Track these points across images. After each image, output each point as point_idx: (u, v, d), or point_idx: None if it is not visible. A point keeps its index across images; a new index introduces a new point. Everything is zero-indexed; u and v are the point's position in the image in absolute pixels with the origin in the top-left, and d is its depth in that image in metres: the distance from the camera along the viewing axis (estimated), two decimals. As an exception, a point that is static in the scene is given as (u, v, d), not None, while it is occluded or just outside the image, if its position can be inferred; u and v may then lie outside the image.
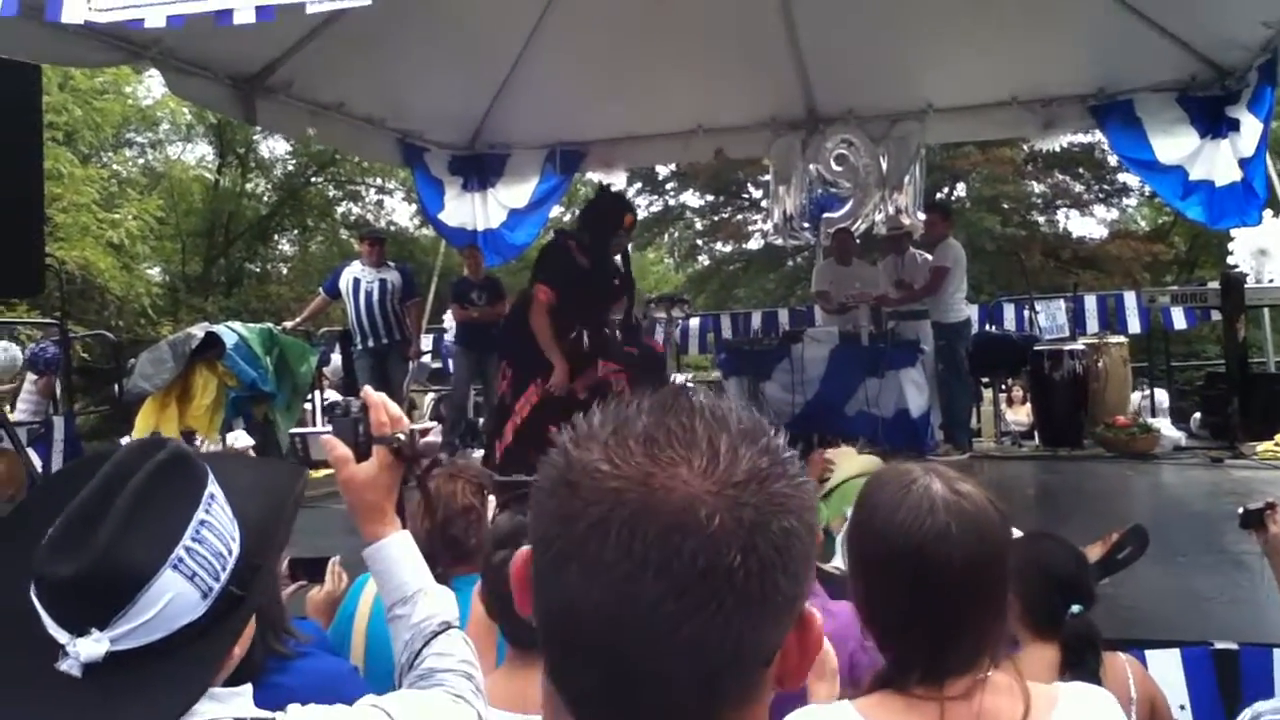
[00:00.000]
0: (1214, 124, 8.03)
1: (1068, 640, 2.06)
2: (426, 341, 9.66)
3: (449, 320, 9.61)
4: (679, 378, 8.55)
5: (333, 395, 9.23)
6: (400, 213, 24.02)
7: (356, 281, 8.05)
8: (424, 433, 8.14)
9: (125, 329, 15.57)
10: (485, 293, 8.56)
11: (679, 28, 7.70)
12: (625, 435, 0.69)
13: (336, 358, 8.96)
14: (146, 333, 15.49)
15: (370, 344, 7.99)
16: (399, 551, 1.45)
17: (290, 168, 22.62)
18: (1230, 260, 8.21)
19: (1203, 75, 8.01)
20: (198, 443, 6.60)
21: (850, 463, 4.85)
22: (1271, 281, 7.93)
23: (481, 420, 8.71)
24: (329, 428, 1.53)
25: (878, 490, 1.43)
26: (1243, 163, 7.82)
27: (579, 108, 9.16)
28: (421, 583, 1.45)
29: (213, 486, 1.18)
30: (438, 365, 10.16)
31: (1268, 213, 8.20)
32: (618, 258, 6.41)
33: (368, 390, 1.48)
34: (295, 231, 23.87)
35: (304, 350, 7.66)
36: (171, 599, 1.09)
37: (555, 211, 11.82)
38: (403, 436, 1.45)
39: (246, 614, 1.19)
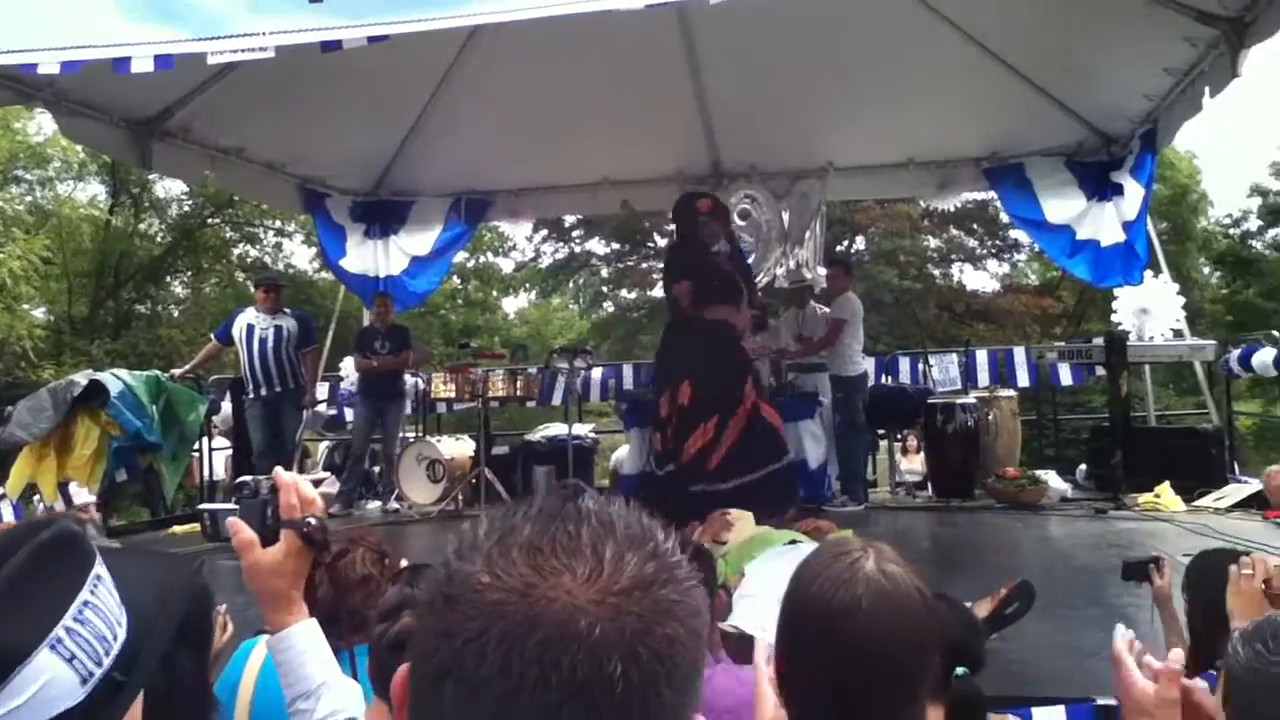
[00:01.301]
0: (1100, 187, 8.46)
1: (953, 704, 2.08)
2: (322, 390, 9.46)
3: (347, 368, 9.44)
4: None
5: (222, 443, 8.96)
6: (299, 256, 23.63)
7: (250, 328, 7.86)
8: (317, 483, 7.95)
9: (4, 372, 14.93)
10: (390, 341, 8.44)
11: (588, 82, 7.79)
12: (509, 545, 0.68)
13: (227, 405, 8.70)
14: (27, 376, 14.87)
15: (263, 392, 7.78)
16: (304, 642, 1.40)
17: (186, 208, 22.07)
18: (1114, 318, 8.55)
19: (1090, 142, 8.43)
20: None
21: (749, 522, 4.89)
22: (1152, 339, 8.26)
23: (378, 470, 8.54)
24: (236, 506, 1.46)
25: (813, 557, 1.41)
26: (1126, 225, 8.23)
27: (486, 157, 9.17)
28: (326, 675, 1.40)
29: (100, 568, 1.12)
30: (333, 413, 9.95)
31: (1149, 273, 8.60)
32: (724, 245, 7.28)
33: (279, 472, 1.42)
34: (189, 273, 23.24)
35: (192, 399, 7.44)
36: (47, 682, 1.03)
37: (459, 258, 11.74)
38: (314, 521, 1.39)
39: (127, 701, 1.14)
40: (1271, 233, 29.23)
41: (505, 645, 0.64)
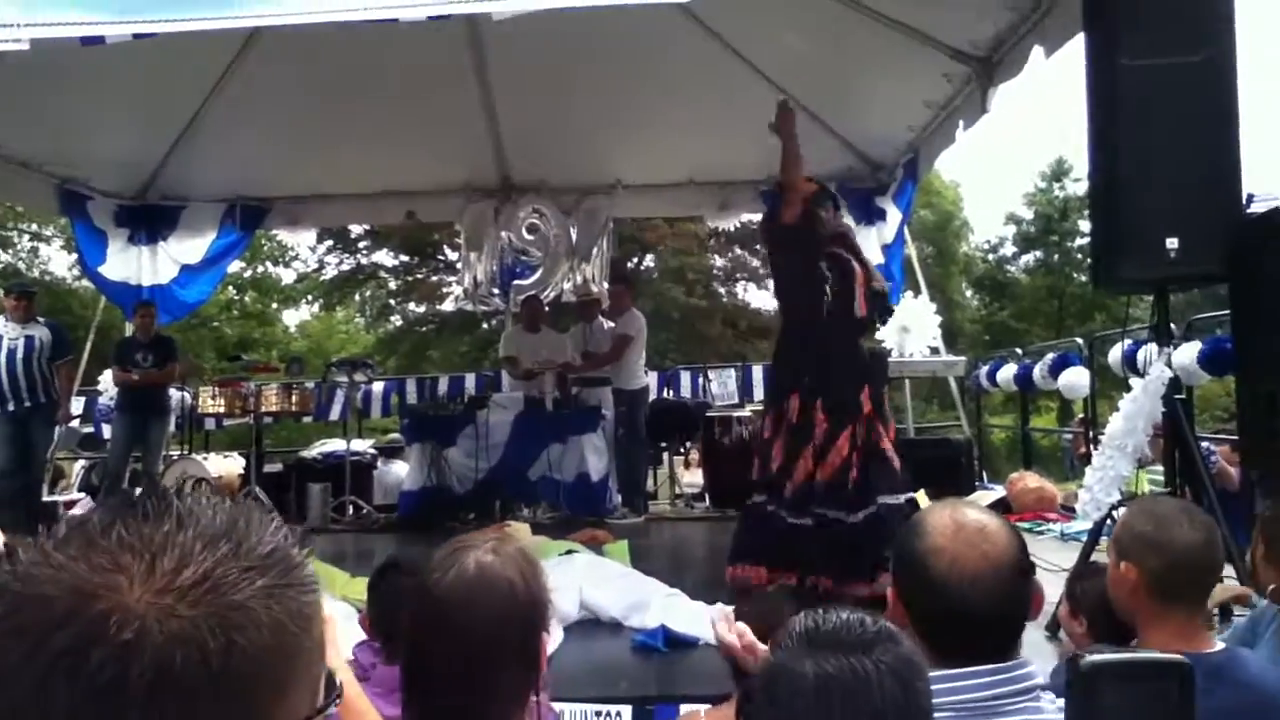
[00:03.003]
0: (867, 213, 8.97)
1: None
2: (77, 404, 8.83)
3: (105, 382, 8.85)
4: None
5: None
6: (57, 262, 22.09)
7: (-2, 338, 7.26)
8: (70, 505, 7.42)
9: None
10: (153, 353, 7.96)
11: (373, 89, 7.61)
12: (73, 538, 0.65)
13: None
14: None
15: (11, 407, 7.19)
16: None
17: (-72, 209, 20.21)
18: (878, 336, 9.04)
19: (858, 168, 8.93)
20: None
21: (526, 533, 4.90)
22: (911, 355, 8.79)
23: (140, 490, 8.03)
24: None
25: (439, 550, 1.55)
26: (884, 248, 8.76)
27: (264, 162, 8.81)
28: None
29: None
30: (89, 430, 9.31)
31: (909, 293, 9.17)
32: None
33: None
34: (-69, 279, 21.25)
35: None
36: None
37: (233, 267, 11.22)
38: None
39: None
40: (1024, 258, 31.80)
41: (35, 640, 0.61)
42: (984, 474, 8.57)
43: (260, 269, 23.77)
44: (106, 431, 8.93)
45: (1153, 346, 3.95)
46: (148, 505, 0.67)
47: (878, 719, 1.08)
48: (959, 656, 1.45)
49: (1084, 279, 29.55)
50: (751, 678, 1.21)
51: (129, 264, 9.10)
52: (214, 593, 0.64)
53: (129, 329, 8.58)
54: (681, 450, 9.45)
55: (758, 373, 9.75)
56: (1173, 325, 4.52)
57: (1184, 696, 1.13)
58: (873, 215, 9.02)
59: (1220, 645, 1.89)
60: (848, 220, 8.96)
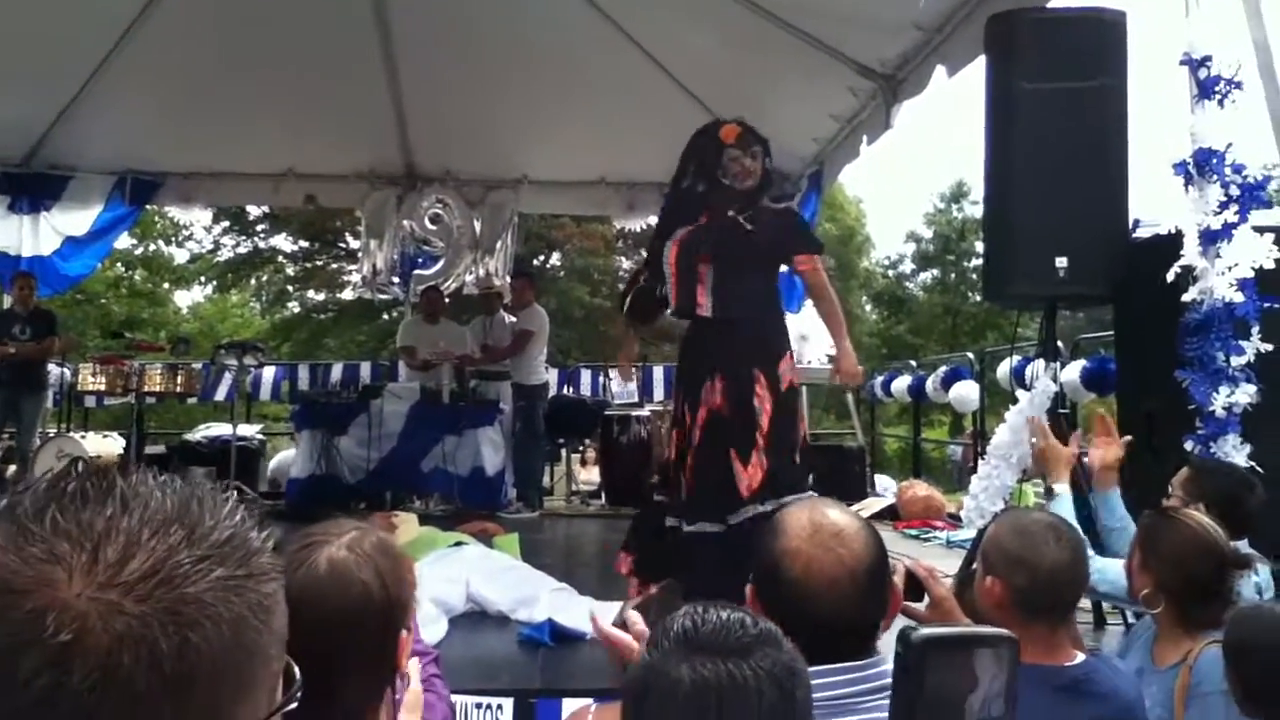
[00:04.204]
0: (771, 222, 9.04)
1: None
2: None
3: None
4: None
5: None
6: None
7: None
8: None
9: None
10: (30, 326, 7.61)
11: (275, 66, 7.41)
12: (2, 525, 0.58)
13: None
14: None
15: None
16: None
17: None
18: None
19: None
20: None
21: (410, 528, 4.82)
22: (810, 363, 8.94)
23: (11, 469, 7.68)
24: None
25: (292, 540, 1.44)
26: (786, 258, 8.84)
27: (157, 136, 8.49)
28: None
29: None
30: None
31: (809, 302, 9.30)
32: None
33: None
34: None
35: None
36: None
37: (122, 243, 10.82)
38: None
39: None
40: (922, 276, 32.61)
41: None
42: (874, 480, 8.74)
43: (152, 247, 22.95)
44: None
45: (1040, 362, 4.07)
46: (87, 486, 0.59)
47: None
48: (815, 656, 1.47)
49: (978, 298, 30.47)
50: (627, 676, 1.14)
51: (8, 233, 8.69)
52: (166, 586, 0.57)
53: (6, 301, 8.20)
54: (580, 448, 9.43)
55: (658, 373, 9.79)
56: (1059, 344, 4.67)
57: (1008, 665, 1.17)
58: (777, 224, 9.11)
59: (1080, 658, 1.93)
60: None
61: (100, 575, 0.55)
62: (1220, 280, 3.60)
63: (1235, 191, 3.70)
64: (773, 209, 4.25)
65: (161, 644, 0.55)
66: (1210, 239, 3.67)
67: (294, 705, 0.69)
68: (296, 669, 0.69)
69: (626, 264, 23.58)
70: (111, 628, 0.54)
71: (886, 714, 1.46)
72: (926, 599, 1.98)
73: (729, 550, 3.54)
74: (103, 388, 7.78)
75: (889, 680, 1.48)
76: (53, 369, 8.00)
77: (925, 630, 1.18)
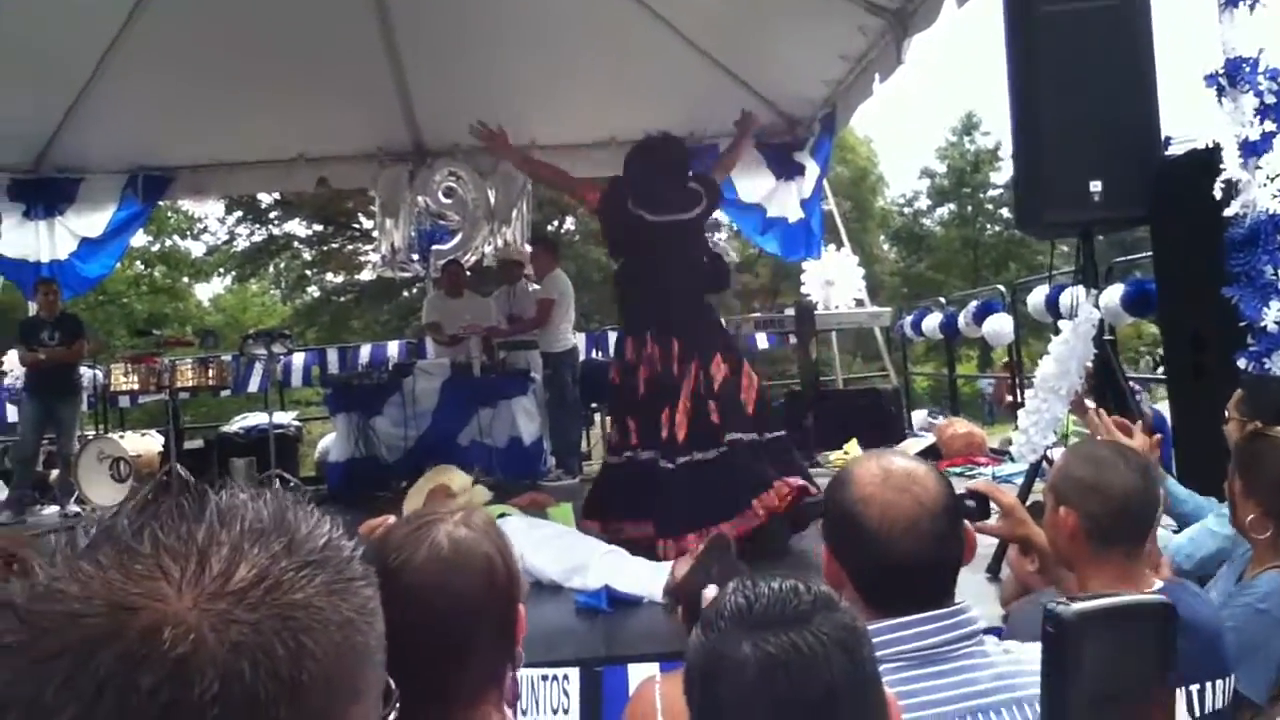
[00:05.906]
0: (786, 168, 8.98)
1: None
2: (-18, 388, 8.49)
3: (11, 363, 8.50)
4: None
5: None
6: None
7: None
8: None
9: None
10: (59, 331, 7.66)
11: (276, 52, 7.36)
12: (100, 544, 0.58)
13: None
14: None
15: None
16: None
17: None
18: (803, 290, 9.10)
19: (777, 124, 8.88)
20: None
21: (478, 496, 4.82)
22: (837, 308, 8.86)
23: (54, 474, 7.76)
24: None
25: (398, 525, 1.42)
26: (802, 203, 8.78)
27: (165, 130, 8.47)
28: None
29: None
30: (-7, 414, 8.96)
31: (832, 247, 9.22)
32: None
33: None
34: None
35: None
36: None
37: (138, 240, 10.84)
38: None
39: None
40: (939, 211, 32.32)
41: (74, 664, 0.52)
42: (912, 421, 8.69)
43: (168, 242, 23.01)
44: (13, 414, 8.60)
45: (1079, 289, 3.98)
46: (182, 503, 0.60)
47: (830, 694, 1.01)
48: (898, 605, 1.43)
49: (998, 229, 30.19)
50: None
51: (26, 240, 8.71)
52: (274, 592, 0.57)
53: (31, 308, 8.24)
54: (613, 411, 9.41)
55: (683, 329, 9.73)
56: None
57: (1166, 638, 1.12)
58: (791, 170, 9.03)
59: (1158, 585, 1.90)
60: (766, 175, 8.99)
61: (209, 586, 0.56)
62: (1263, 192, 3.51)
63: (1271, 100, 3.59)
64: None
65: (277, 649, 0.56)
66: (1250, 150, 3.57)
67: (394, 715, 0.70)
68: (391, 682, 0.70)
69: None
70: (226, 637, 0.55)
71: (974, 661, 1.43)
72: (995, 513, 1.95)
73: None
74: (135, 387, 7.81)
75: (977, 627, 1.46)
76: (85, 372, 8.05)
77: (1077, 605, 1.13)
